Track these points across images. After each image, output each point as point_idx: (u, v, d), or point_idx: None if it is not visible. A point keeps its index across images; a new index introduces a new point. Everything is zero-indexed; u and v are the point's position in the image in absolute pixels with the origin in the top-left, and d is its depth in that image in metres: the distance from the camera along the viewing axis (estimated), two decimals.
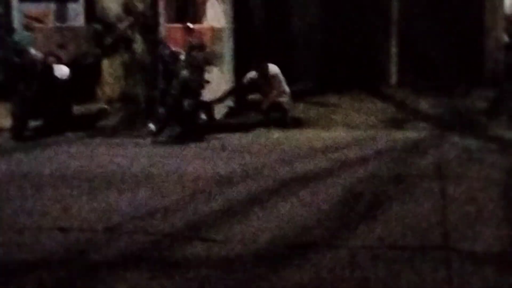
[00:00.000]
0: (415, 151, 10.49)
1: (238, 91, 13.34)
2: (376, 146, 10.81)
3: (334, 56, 16.13)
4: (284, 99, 12.80)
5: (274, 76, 12.76)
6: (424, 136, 11.50)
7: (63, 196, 8.31)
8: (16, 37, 14.71)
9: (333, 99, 14.48)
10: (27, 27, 15.12)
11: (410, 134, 11.74)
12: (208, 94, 12.34)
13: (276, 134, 12.04)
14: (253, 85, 12.91)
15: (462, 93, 14.42)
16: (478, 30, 15.53)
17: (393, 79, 15.92)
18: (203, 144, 11.30)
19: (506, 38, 16.04)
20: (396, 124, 12.50)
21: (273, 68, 12.80)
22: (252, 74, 12.92)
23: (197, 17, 14.01)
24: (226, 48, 13.78)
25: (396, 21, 15.94)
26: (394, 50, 15.93)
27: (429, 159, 9.98)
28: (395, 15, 15.91)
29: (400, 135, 11.66)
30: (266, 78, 12.74)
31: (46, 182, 8.98)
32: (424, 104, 13.86)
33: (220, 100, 13.08)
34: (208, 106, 12.45)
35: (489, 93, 14.32)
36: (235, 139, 11.72)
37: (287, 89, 12.89)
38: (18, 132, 12.06)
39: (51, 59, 12.93)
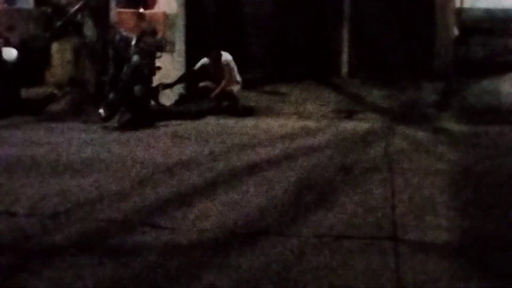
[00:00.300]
0: (365, 142, 10.55)
1: (189, 77, 13.24)
2: (326, 136, 10.84)
3: (286, 46, 16.14)
4: (235, 88, 12.77)
5: (227, 64, 12.71)
6: (374, 127, 11.57)
7: (11, 181, 8.18)
8: None
9: (284, 88, 14.49)
10: None
11: (360, 125, 11.81)
12: (159, 80, 12.24)
13: (226, 122, 12.00)
14: (205, 72, 12.85)
15: (412, 85, 14.54)
16: (429, 23, 15.66)
17: (345, 70, 15.98)
18: (153, 131, 11.23)
19: (456, 32, 16.20)
20: (347, 114, 12.56)
21: (226, 56, 12.76)
22: (204, 60, 12.85)
23: (149, 3, 13.89)
24: (177, 34, 13.71)
25: (348, 13, 16.00)
26: (345, 41, 15.99)
27: (379, 150, 10.03)
28: (347, 7, 15.97)
29: (351, 126, 11.71)
30: (218, 65, 12.68)
31: None
32: (374, 96, 13.94)
33: (171, 85, 12.99)
34: (155, 92, 12.34)
35: (439, 86, 14.45)
36: (185, 126, 11.66)
37: (239, 77, 12.86)
38: None
39: None
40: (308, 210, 7.17)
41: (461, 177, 8.59)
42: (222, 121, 12.08)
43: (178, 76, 13.35)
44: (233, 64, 12.76)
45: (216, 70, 12.70)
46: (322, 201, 7.51)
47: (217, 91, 12.69)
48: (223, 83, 12.66)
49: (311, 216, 6.96)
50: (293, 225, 6.71)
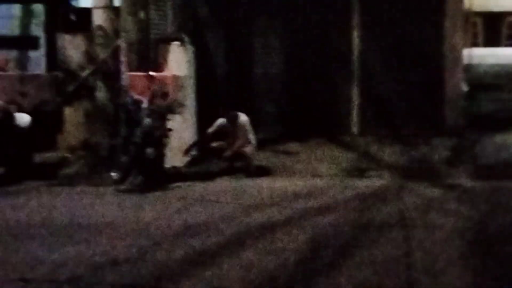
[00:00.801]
0: (378, 199, 10.52)
1: (205, 140, 13.11)
2: (338, 195, 10.83)
3: (296, 105, 16.23)
4: (249, 149, 12.75)
5: (243, 125, 12.72)
6: (386, 185, 11.55)
7: (25, 246, 8.19)
8: None
9: (296, 147, 14.53)
10: None
11: (372, 182, 11.79)
12: (172, 142, 12.27)
13: (239, 182, 12.01)
14: (221, 132, 12.86)
15: (423, 141, 14.55)
16: (438, 79, 15.74)
17: (355, 128, 16.04)
18: (166, 193, 11.23)
19: (465, 88, 16.27)
20: (358, 172, 12.56)
21: (242, 117, 12.78)
22: (221, 121, 12.87)
23: (160, 65, 14.02)
24: (188, 95, 13.78)
25: (357, 71, 16.11)
26: (355, 99, 16.07)
27: (392, 207, 10.00)
28: (356, 66, 16.09)
29: (362, 184, 11.70)
30: (234, 126, 12.70)
31: (7, 232, 8.85)
32: (385, 153, 13.95)
33: (188, 151, 12.99)
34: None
35: (450, 142, 14.47)
36: (198, 187, 11.67)
37: (253, 139, 12.85)
38: None
39: (12, 107, 12.84)
40: (322, 271, 7.14)
41: (476, 235, 8.54)
42: (234, 181, 12.09)
43: (194, 141, 13.26)
44: (249, 126, 12.77)
45: (232, 131, 12.72)
46: (336, 261, 7.48)
47: (230, 152, 12.68)
48: (237, 144, 12.65)
49: (326, 277, 6.93)
50: (309, 286, 6.68)
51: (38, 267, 7.42)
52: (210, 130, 12.95)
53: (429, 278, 6.89)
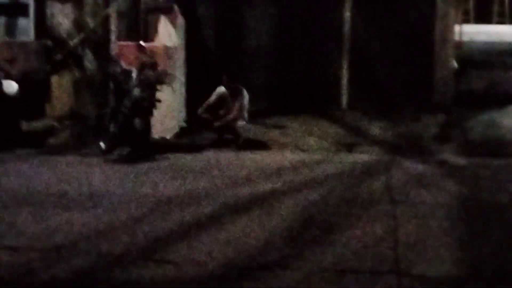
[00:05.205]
0: (366, 174, 10.53)
1: (208, 109, 12.85)
2: (327, 169, 10.82)
3: (286, 79, 16.18)
4: (241, 123, 12.65)
5: (244, 101, 12.61)
6: (374, 160, 11.56)
7: (11, 215, 8.16)
8: None
9: (285, 121, 14.50)
10: None
11: (360, 157, 11.79)
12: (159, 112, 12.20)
13: (226, 155, 11.98)
14: (217, 102, 12.70)
15: (412, 117, 14.57)
16: (429, 56, 15.71)
17: (345, 102, 16.01)
18: (154, 164, 11.20)
19: (455, 64, 16.26)
20: (347, 147, 12.56)
21: (245, 93, 12.68)
22: (221, 90, 12.68)
23: (149, 35, 13.93)
24: (178, 67, 13.72)
25: (347, 45, 16.05)
26: (345, 74, 16.03)
27: (379, 182, 10.01)
28: (347, 40, 16.04)
29: (351, 158, 11.70)
30: (235, 99, 12.57)
31: None
32: (374, 128, 13.96)
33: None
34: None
35: (438, 118, 14.49)
36: (186, 159, 11.64)
37: (247, 116, 12.74)
38: None
39: None
40: (310, 244, 7.16)
41: (462, 210, 8.59)
42: (222, 154, 12.04)
43: (204, 106, 12.94)
44: (247, 102, 12.65)
45: (228, 102, 12.57)
46: (324, 235, 7.50)
47: (222, 122, 12.54)
48: (232, 116, 12.51)
49: (314, 251, 6.95)
50: (296, 259, 6.69)
51: (25, 235, 7.40)
52: (212, 99, 12.71)
53: (415, 253, 6.92)
